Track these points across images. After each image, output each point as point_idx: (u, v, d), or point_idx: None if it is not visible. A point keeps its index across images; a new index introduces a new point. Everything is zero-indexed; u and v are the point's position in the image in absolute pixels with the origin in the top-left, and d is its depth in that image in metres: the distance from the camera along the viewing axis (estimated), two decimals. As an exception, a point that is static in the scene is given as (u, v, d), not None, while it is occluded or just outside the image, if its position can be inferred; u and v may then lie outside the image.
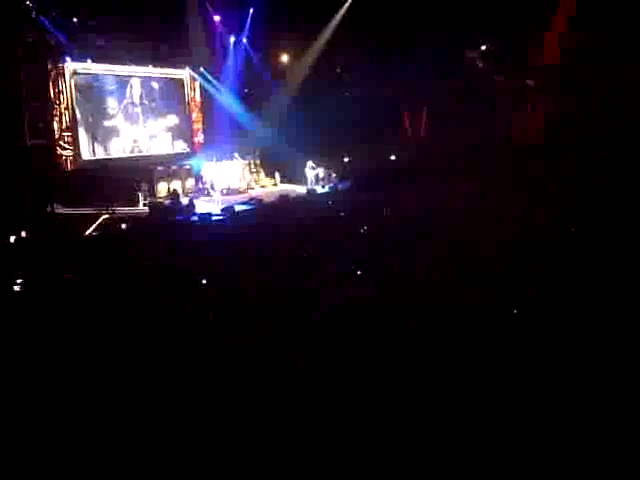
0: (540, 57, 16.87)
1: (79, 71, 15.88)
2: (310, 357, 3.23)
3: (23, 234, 10.85)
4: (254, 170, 18.57)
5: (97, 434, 3.02)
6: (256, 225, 10.95)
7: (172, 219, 13.03)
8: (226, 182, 17.04)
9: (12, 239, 10.43)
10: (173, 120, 18.91)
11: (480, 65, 18.52)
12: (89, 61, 15.91)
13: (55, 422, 3.15)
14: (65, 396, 3.36)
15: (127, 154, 17.36)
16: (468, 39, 17.92)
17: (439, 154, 16.82)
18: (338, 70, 20.75)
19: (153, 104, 18.22)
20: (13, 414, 3.26)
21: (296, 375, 3.22)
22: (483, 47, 18.76)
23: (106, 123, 16.83)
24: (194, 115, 19.60)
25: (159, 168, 16.50)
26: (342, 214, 11.82)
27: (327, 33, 19.07)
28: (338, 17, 18.96)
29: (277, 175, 18.92)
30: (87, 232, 12.18)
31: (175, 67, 18.70)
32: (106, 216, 13.11)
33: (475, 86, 17.90)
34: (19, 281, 6.36)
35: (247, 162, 18.19)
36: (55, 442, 3.00)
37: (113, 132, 17.01)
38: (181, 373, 3.53)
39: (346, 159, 18.94)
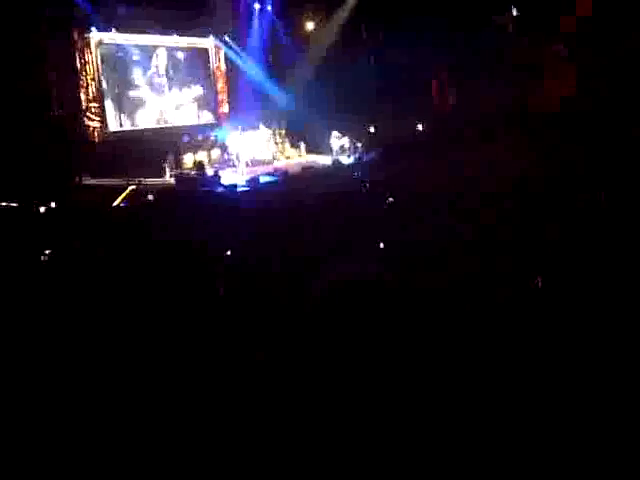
0: (569, 24, 16.20)
1: (104, 41, 15.89)
2: (325, 339, 3.22)
3: (52, 205, 11.06)
4: (279, 141, 18.52)
5: (98, 426, 2.98)
6: (280, 197, 10.94)
7: (198, 190, 13.11)
8: (251, 153, 17.03)
9: (42, 209, 10.65)
10: (198, 90, 18.88)
11: (510, 30, 17.92)
12: (114, 31, 15.88)
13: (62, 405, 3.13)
14: (82, 372, 3.40)
15: (153, 125, 17.45)
16: (496, 4, 17.34)
17: (466, 122, 16.43)
18: (364, 37, 20.31)
19: (178, 74, 18.20)
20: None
21: (307, 361, 3.20)
22: (514, 11, 18.13)
23: (132, 94, 16.89)
24: (219, 85, 19.52)
25: (185, 139, 16.58)
26: (367, 185, 11.71)
27: (353, -1, 18.67)
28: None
29: (302, 146, 18.84)
30: (115, 203, 12.35)
31: (200, 36, 18.57)
32: (133, 187, 13.26)
33: (505, 53, 17.37)
34: (47, 252, 6.49)
35: (272, 131, 18.10)
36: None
37: (139, 103, 17.08)
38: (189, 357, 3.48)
39: (372, 129, 18.69)
